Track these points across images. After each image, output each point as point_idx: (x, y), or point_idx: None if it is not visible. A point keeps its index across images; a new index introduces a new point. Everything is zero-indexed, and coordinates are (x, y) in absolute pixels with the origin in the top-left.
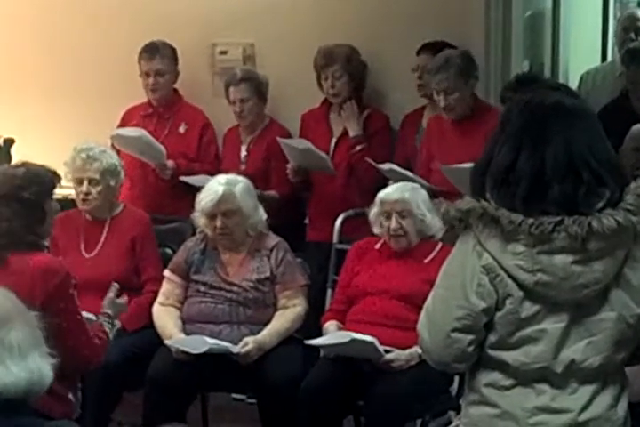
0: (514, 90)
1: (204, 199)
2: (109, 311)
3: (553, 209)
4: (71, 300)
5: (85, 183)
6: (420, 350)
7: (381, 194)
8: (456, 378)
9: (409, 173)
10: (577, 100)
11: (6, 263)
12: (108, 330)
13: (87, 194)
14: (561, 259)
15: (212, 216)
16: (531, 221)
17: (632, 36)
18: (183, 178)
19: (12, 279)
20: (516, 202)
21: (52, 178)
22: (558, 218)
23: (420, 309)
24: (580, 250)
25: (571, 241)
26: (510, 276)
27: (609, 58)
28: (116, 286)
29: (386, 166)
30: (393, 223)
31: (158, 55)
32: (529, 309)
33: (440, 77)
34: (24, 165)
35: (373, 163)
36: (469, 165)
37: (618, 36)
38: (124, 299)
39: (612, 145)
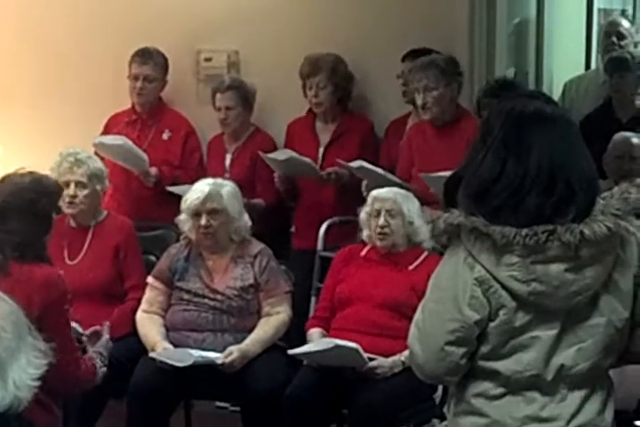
0: (494, 95)
1: (190, 198)
2: (103, 351)
3: (523, 220)
4: (65, 315)
5: (72, 186)
6: (403, 358)
7: (374, 192)
8: (440, 386)
9: (379, 170)
10: (556, 108)
11: (10, 272)
12: (98, 366)
13: (74, 197)
14: (555, 267)
15: (196, 214)
16: (525, 231)
17: (614, 40)
18: (169, 188)
19: (13, 288)
20: (489, 212)
21: (59, 189)
22: (551, 227)
23: (403, 316)
24: (573, 257)
25: (564, 249)
26: (504, 287)
27: (593, 66)
28: (108, 324)
29: (355, 164)
30: (381, 220)
31: (151, 61)
32: (522, 318)
33: (421, 75)
34: (30, 174)
35: (342, 162)
36: (449, 173)
37: (601, 42)
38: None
39: (595, 152)
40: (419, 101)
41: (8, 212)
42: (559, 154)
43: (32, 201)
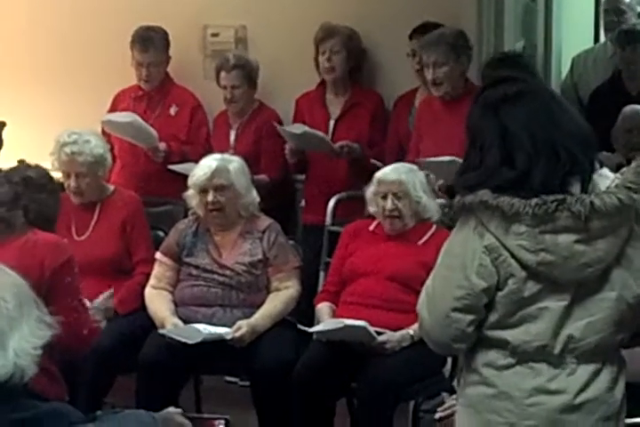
0: (493, 68)
1: (197, 174)
2: (101, 306)
3: (532, 195)
4: (76, 278)
5: (73, 177)
6: (412, 332)
7: (379, 174)
8: (449, 360)
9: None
10: (525, 84)
11: (23, 235)
12: (98, 322)
13: (77, 188)
14: (564, 238)
15: (204, 191)
16: (534, 201)
17: (613, 17)
18: (172, 166)
19: (24, 252)
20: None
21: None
22: (561, 196)
23: (412, 290)
24: (583, 229)
25: (573, 220)
26: (513, 256)
27: (601, 39)
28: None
29: (447, 158)
30: (389, 204)
31: (152, 47)
32: (531, 288)
33: (431, 51)
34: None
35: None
36: (448, 158)
37: (602, 18)
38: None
39: (604, 126)
40: (428, 77)
41: (36, 182)
42: (546, 125)
43: (51, 179)
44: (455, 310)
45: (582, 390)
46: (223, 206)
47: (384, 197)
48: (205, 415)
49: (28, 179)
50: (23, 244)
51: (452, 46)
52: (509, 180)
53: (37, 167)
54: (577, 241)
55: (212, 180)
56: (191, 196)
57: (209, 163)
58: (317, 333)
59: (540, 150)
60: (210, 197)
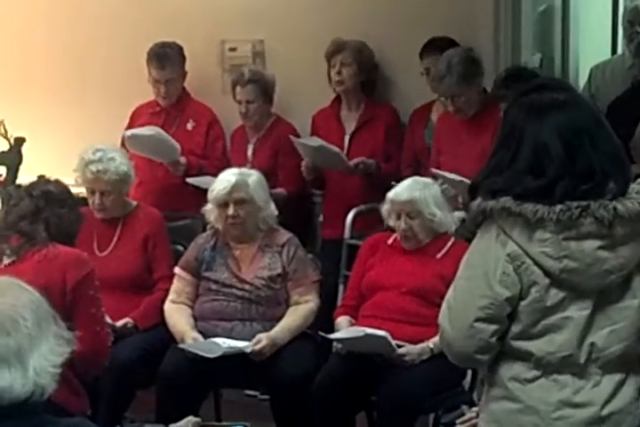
0: (505, 87)
1: (217, 188)
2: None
3: (555, 202)
4: (98, 290)
5: (98, 195)
6: (431, 345)
7: (391, 193)
8: (469, 372)
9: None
10: (569, 93)
11: (44, 249)
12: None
13: (101, 205)
14: (589, 244)
15: (224, 204)
16: (558, 207)
17: (637, 29)
18: (189, 180)
19: (46, 265)
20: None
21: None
22: (584, 203)
23: (431, 304)
24: (607, 235)
25: (597, 226)
26: (536, 263)
27: (619, 51)
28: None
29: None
30: (402, 224)
31: (168, 64)
32: (554, 296)
33: (444, 85)
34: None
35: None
36: (458, 178)
37: (624, 29)
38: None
39: (623, 137)
40: (450, 108)
41: (57, 197)
42: (584, 140)
43: (69, 193)
44: (478, 320)
45: (608, 401)
46: (243, 220)
47: (398, 217)
48: (225, 423)
49: (48, 193)
50: (44, 257)
51: (462, 77)
52: (533, 188)
53: (57, 182)
54: (600, 247)
55: (232, 194)
56: (210, 210)
57: (228, 177)
58: (337, 342)
59: (573, 167)
60: (230, 211)
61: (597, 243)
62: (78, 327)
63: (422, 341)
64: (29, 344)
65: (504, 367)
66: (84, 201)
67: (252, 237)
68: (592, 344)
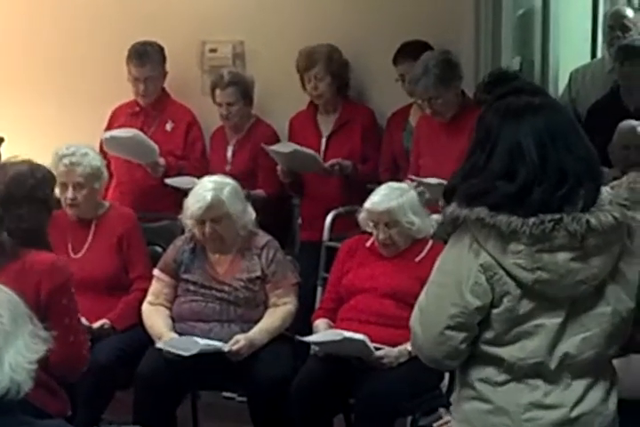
0: (487, 92)
1: (192, 206)
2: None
3: (529, 211)
4: (73, 298)
5: (70, 189)
6: (409, 348)
7: (368, 203)
8: (446, 375)
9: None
10: (545, 98)
11: (18, 258)
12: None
13: (73, 199)
14: (561, 256)
15: (200, 222)
16: (532, 221)
17: (619, 33)
18: (168, 180)
19: (21, 274)
20: (494, 205)
21: (53, 177)
22: (557, 216)
23: (410, 307)
24: (579, 247)
25: (570, 239)
26: (509, 274)
27: (598, 54)
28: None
29: (434, 181)
30: (380, 235)
31: (148, 62)
32: (526, 306)
33: (421, 87)
34: (25, 161)
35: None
36: (436, 180)
37: (605, 33)
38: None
39: (601, 141)
40: (427, 110)
41: (13, 198)
42: (559, 145)
43: (34, 187)
44: (448, 327)
45: (578, 403)
46: (221, 235)
47: (375, 226)
48: None
49: (4, 198)
50: (20, 268)
51: (440, 79)
52: (508, 195)
53: (13, 179)
54: (573, 259)
55: (207, 213)
56: (187, 221)
57: (203, 194)
58: (315, 344)
59: (547, 170)
60: (207, 229)
61: (570, 255)
62: (52, 338)
63: (400, 343)
64: (5, 340)
65: (475, 370)
66: (58, 203)
67: (231, 244)
68: (564, 352)
